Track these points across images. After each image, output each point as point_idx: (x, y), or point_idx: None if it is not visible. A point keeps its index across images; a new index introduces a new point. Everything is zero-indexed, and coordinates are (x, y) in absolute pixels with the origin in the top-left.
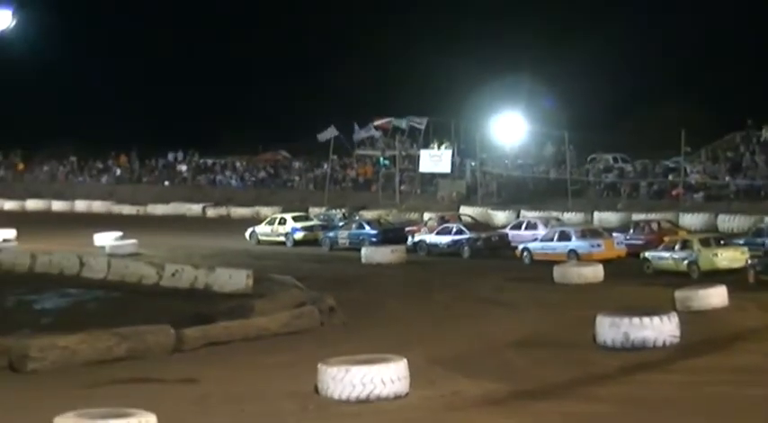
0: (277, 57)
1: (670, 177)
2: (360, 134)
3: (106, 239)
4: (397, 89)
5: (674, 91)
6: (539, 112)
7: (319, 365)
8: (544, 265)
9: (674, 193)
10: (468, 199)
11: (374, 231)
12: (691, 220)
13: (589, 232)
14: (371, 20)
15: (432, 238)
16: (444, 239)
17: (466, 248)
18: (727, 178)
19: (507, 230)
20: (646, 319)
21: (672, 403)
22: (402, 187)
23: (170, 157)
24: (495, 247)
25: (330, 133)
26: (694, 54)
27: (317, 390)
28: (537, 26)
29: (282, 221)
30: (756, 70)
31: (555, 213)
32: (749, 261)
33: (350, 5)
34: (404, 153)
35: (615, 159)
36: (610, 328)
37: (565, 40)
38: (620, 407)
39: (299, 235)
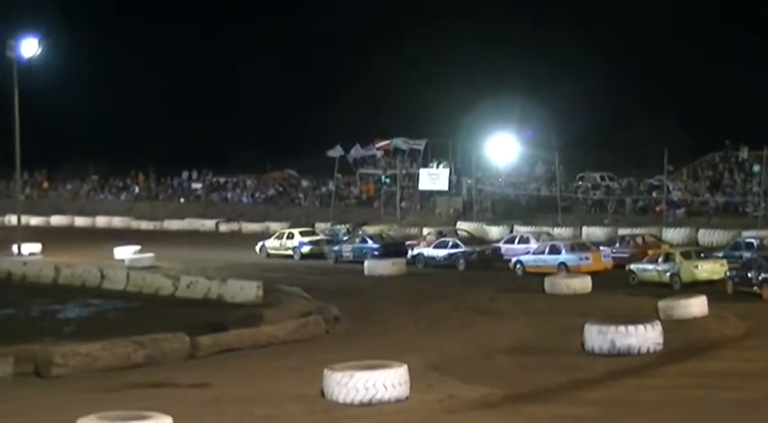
0: (284, 81)
1: (654, 194)
2: (359, 152)
3: (125, 253)
4: (397, 112)
5: (658, 114)
6: (530, 132)
7: (325, 371)
8: (535, 277)
9: (657, 209)
10: (465, 215)
11: (376, 245)
12: (673, 234)
13: (578, 246)
14: (373, 45)
15: (429, 252)
16: (441, 252)
17: (461, 261)
18: (706, 195)
19: (501, 244)
20: (631, 328)
21: (655, 407)
22: (402, 204)
23: (185, 175)
24: (488, 260)
25: (337, 152)
26: (675, 79)
27: (322, 393)
28: (531, 54)
29: (290, 236)
30: (734, 94)
31: (546, 228)
32: (727, 273)
33: (354, 34)
34: (404, 172)
35: (602, 177)
36: (597, 336)
37: (556, 66)
38: (607, 410)
39: (305, 249)
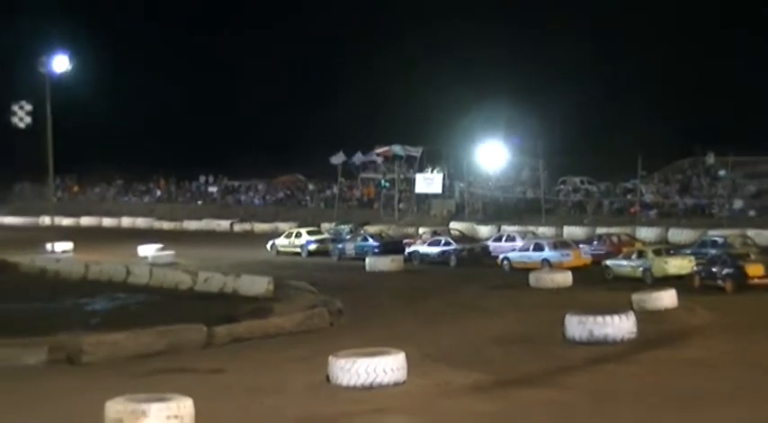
0: (291, 91)
1: (628, 197)
2: (360, 158)
3: (148, 251)
4: (395, 120)
5: (632, 122)
6: (517, 140)
7: (330, 358)
8: (521, 272)
9: (631, 210)
10: (457, 215)
11: (376, 243)
12: (646, 233)
13: (560, 244)
14: (372, 51)
15: (424, 249)
16: (434, 250)
17: (453, 258)
18: (676, 198)
19: (490, 243)
20: (607, 318)
21: (630, 391)
22: (400, 205)
23: (201, 180)
24: (477, 257)
25: (340, 158)
26: (648, 90)
27: (327, 379)
28: (517, 68)
29: (298, 235)
30: (702, 104)
31: (531, 228)
32: (695, 268)
33: (354, 39)
34: (402, 176)
35: (582, 182)
36: (577, 326)
37: (541, 78)
38: (586, 393)
39: (312, 247)
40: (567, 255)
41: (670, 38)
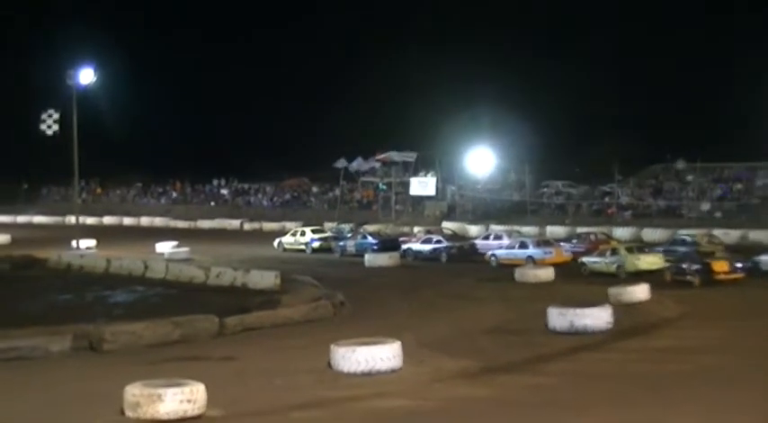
0: (297, 105)
1: (606, 199)
2: (361, 164)
3: (165, 247)
4: (392, 129)
5: (610, 131)
6: (504, 147)
7: (331, 346)
8: (507, 268)
9: (609, 211)
10: (449, 216)
11: (375, 241)
12: (622, 232)
13: (543, 242)
14: (375, 72)
15: (417, 247)
16: (427, 247)
17: (443, 254)
18: (650, 200)
19: (478, 241)
20: (586, 310)
21: (607, 376)
22: (397, 207)
23: (214, 183)
24: (466, 254)
25: (342, 163)
26: (626, 103)
27: (329, 365)
28: (505, 81)
29: (303, 233)
30: (673, 115)
31: (516, 227)
32: (666, 264)
33: (358, 61)
34: (398, 180)
35: (563, 185)
36: (558, 317)
37: (527, 91)
38: (567, 379)
39: (316, 244)
40: (550, 252)
41: (644, 52)
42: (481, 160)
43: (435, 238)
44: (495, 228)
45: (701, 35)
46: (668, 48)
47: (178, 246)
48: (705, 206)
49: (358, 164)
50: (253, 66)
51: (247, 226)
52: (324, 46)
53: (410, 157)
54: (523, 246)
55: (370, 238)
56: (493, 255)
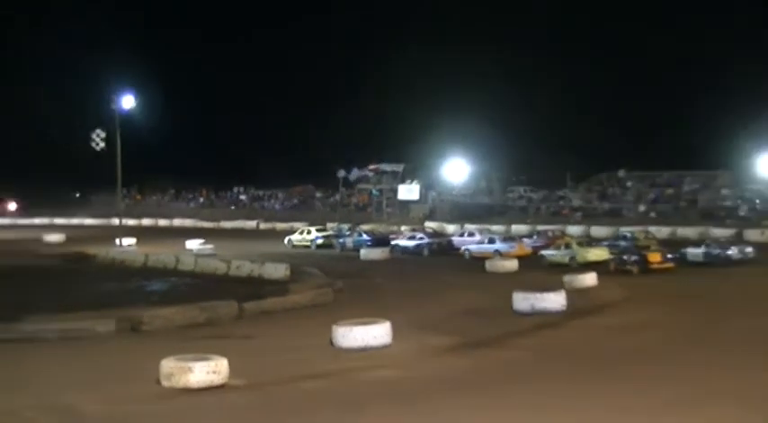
0: (301, 124)
1: (561, 202)
2: (357, 174)
3: (193, 244)
4: (383, 142)
5: (564, 146)
6: (476, 159)
7: (333, 326)
8: (478, 260)
9: (563, 212)
10: (431, 217)
11: (369, 238)
12: (574, 230)
13: (508, 238)
14: (368, 92)
15: (403, 243)
16: (411, 243)
17: (425, 249)
18: (597, 203)
19: (455, 237)
20: (546, 294)
21: (565, 349)
22: (387, 209)
23: (234, 190)
24: (444, 249)
25: (342, 173)
26: (572, 119)
27: (331, 342)
28: (479, 100)
29: (309, 232)
30: (617, 129)
31: (487, 226)
32: (610, 256)
33: (356, 82)
34: (388, 187)
35: (525, 190)
36: (522, 301)
37: (495, 106)
38: (531, 352)
39: (319, 241)
40: (513, 246)
41: (585, 79)
42: (456, 170)
43: (419, 235)
44: (470, 226)
45: (643, 64)
46: (610, 76)
47: (204, 243)
48: (642, 208)
49: (355, 173)
50: (269, 91)
51: (262, 226)
52: (328, 69)
53: (398, 167)
54: (491, 241)
55: (365, 236)
56: (466, 249)
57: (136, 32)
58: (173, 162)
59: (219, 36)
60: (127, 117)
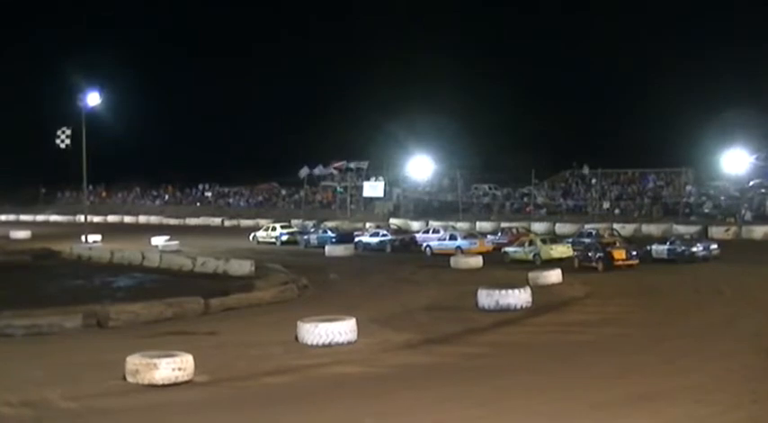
0: (269, 123)
1: (525, 199)
2: (321, 170)
3: (159, 241)
4: (346, 140)
5: (527, 143)
6: (440, 155)
7: (298, 322)
8: (441, 257)
9: (527, 209)
10: (395, 213)
11: (333, 235)
12: (538, 227)
13: (469, 235)
14: (333, 91)
15: (366, 239)
16: (374, 240)
17: (388, 246)
18: (561, 200)
19: (419, 234)
20: (510, 291)
21: (527, 345)
22: (352, 206)
23: (200, 187)
24: (407, 245)
25: (305, 171)
26: (538, 118)
27: (296, 338)
28: (446, 100)
29: (273, 229)
30: (578, 129)
31: (452, 223)
32: (574, 253)
33: (322, 83)
34: (352, 184)
35: (489, 188)
36: (486, 297)
37: (460, 103)
38: (494, 348)
39: (284, 237)
40: (474, 243)
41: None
42: (421, 167)
43: (382, 232)
44: (434, 223)
45: (608, 62)
46: (574, 74)
47: (170, 239)
48: (605, 205)
49: (319, 170)
50: (229, 88)
51: (228, 223)
52: (294, 69)
53: (363, 164)
54: (453, 238)
55: (329, 233)
56: (428, 246)
57: (104, 29)
58: (138, 160)
59: (188, 35)
60: (93, 114)
